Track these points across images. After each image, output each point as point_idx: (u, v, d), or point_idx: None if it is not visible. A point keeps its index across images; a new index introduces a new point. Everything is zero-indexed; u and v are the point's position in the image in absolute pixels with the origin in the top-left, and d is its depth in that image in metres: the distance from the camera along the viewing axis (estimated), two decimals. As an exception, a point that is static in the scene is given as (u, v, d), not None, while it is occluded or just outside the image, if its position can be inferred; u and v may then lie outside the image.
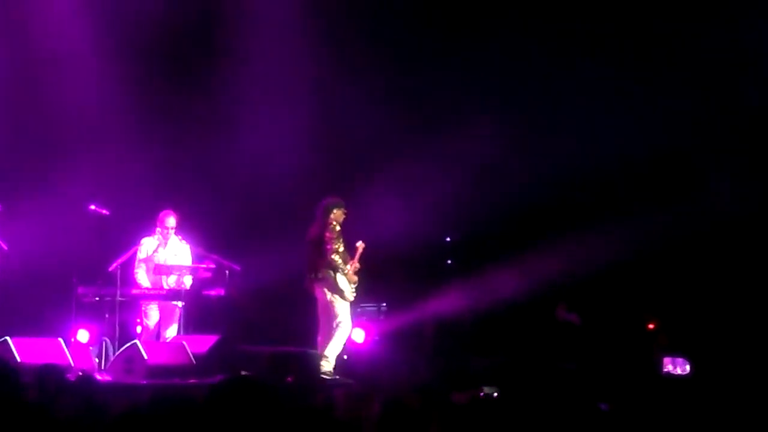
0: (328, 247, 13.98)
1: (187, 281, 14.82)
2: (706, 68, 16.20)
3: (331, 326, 14.01)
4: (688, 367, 14.79)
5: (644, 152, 16.76)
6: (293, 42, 17.31)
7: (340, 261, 14.03)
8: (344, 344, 14.27)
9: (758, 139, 16.41)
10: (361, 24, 17.32)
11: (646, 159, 16.88)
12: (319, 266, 14.08)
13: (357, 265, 14.22)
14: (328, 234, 14.00)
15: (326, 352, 13.96)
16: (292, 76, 17.28)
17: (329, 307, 14.07)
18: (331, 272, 14.03)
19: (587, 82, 16.48)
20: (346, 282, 14.10)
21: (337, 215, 14.13)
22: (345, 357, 14.51)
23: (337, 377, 13.79)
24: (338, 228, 14.08)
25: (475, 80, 17.17)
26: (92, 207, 14.83)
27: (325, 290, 14.08)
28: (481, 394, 10.45)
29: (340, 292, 14.07)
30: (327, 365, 13.95)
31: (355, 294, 14.24)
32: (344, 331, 14.13)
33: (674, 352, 15.02)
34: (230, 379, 6.28)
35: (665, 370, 14.73)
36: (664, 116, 16.59)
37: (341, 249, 14.07)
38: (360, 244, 14.28)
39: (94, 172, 16.40)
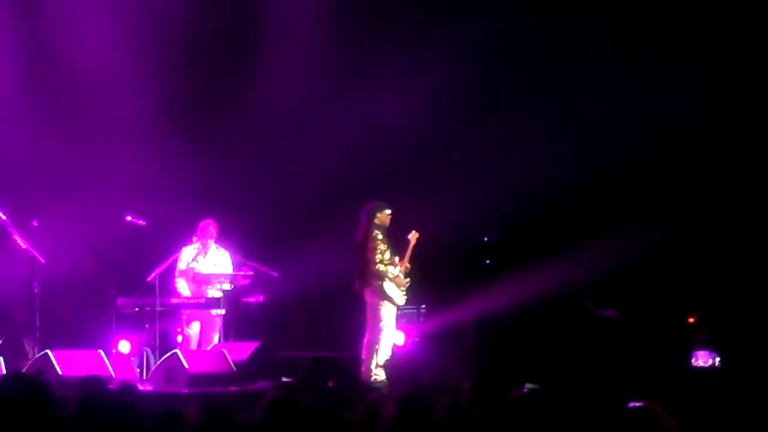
0: (370, 257, 13.89)
1: (225, 288, 14.86)
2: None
3: (378, 329, 13.96)
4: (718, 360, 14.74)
5: (683, 144, 16.67)
6: (329, 44, 17.31)
7: (383, 269, 13.96)
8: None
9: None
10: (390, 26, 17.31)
11: (686, 150, 16.77)
12: (366, 272, 13.99)
13: (407, 265, 14.11)
14: (370, 244, 13.89)
15: (379, 362, 13.86)
16: (328, 81, 17.27)
17: (376, 310, 14.00)
18: (377, 281, 13.95)
19: (621, 80, 16.44)
20: (394, 287, 14.00)
21: (381, 218, 14.01)
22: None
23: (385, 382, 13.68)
24: (381, 236, 13.97)
25: (512, 79, 17.10)
26: (129, 218, 14.89)
27: (374, 295, 14.04)
28: (525, 390, 10.41)
29: (389, 299, 14.00)
30: (382, 374, 13.86)
31: (405, 297, 14.12)
32: (388, 336, 14.08)
33: (714, 345, 14.97)
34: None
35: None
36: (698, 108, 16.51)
37: (387, 256, 13.98)
38: (413, 235, 14.19)
39: (131, 182, 16.50)
